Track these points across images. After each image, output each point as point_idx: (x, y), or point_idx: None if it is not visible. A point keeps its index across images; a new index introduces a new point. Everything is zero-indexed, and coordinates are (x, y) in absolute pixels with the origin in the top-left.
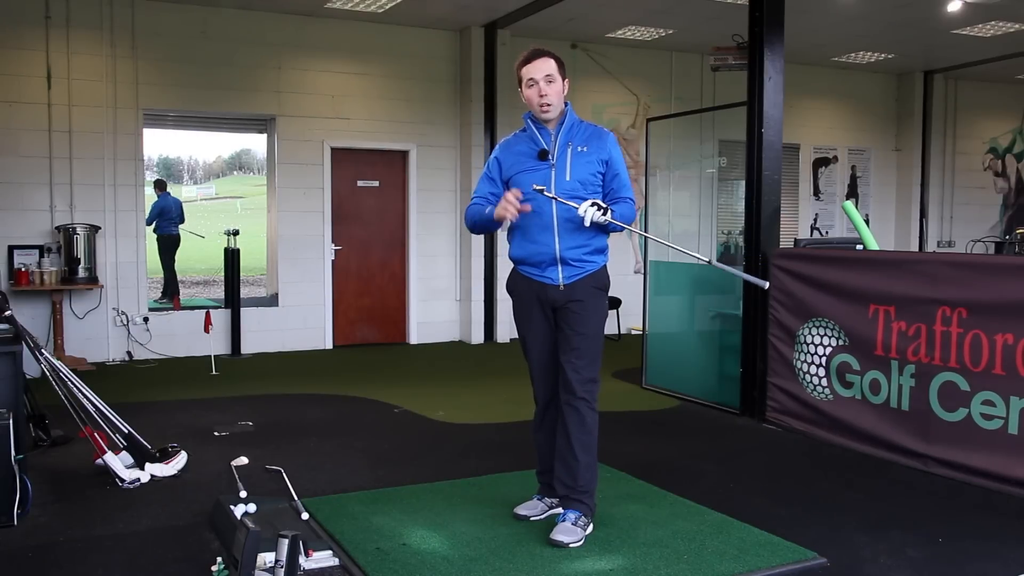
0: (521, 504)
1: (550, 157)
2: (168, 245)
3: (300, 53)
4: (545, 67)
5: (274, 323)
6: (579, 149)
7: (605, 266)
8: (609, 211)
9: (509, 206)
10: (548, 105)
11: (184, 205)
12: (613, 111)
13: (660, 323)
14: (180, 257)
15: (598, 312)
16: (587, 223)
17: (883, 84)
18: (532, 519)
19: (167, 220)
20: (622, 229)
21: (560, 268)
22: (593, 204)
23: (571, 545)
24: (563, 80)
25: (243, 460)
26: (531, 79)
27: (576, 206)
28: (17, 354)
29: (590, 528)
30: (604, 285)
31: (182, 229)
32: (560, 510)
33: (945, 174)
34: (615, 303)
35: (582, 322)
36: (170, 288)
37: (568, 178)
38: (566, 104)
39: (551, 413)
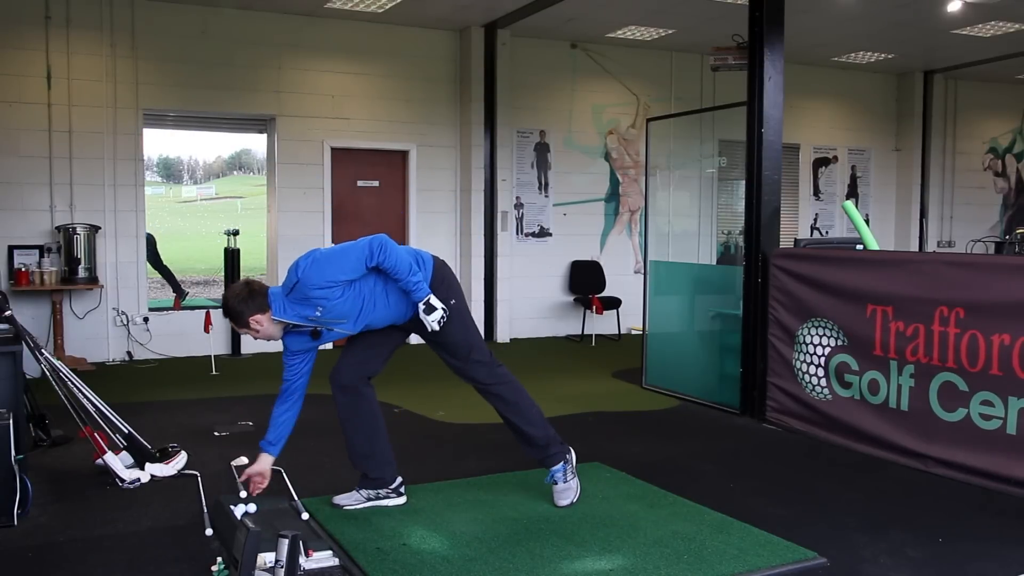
0: (343, 494)
1: (323, 330)
2: (150, 245)
3: (300, 53)
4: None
5: None
6: (317, 313)
7: (430, 278)
8: (427, 301)
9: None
10: (268, 340)
11: (184, 205)
12: (613, 111)
13: (660, 323)
14: (179, 258)
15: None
16: (437, 324)
17: (883, 84)
18: (346, 508)
19: None
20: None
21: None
22: (425, 310)
23: (574, 502)
24: (249, 324)
25: (243, 460)
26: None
27: (430, 321)
28: (17, 354)
29: (574, 464)
30: (439, 296)
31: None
32: (398, 500)
33: (945, 174)
34: (614, 303)
35: (434, 332)
36: (173, 284)
37: (349, 320)
38: (271, 302)
39: (353, 398)
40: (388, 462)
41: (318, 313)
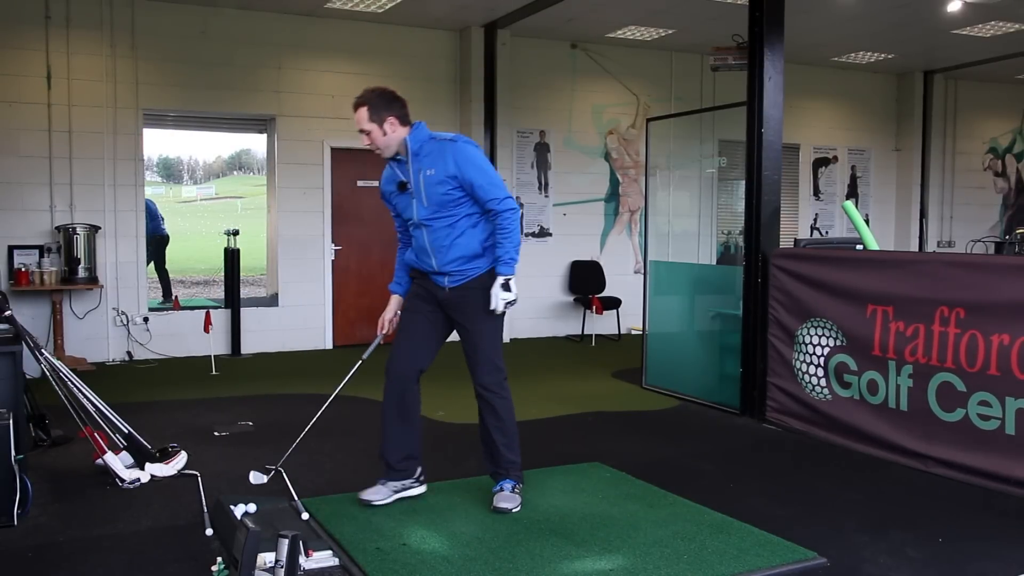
0: (368, 489)
1: (409, 187)
2: (157, 244)
3: (300, 53)
4: (359, 120)
5: (274, 323)
6: (428, 173)
7: (492, 268)
8: (509, 279)
9: (385, 327)
10: (377, 150)
11: (184, 205)
12: (613, 111)
13: (660, 323)
14: (179, 257)
15: (485, 308)
16: (502, 307)
17: (883, 84)
18: (375, 503)
19: (153, 221)
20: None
21: (443, 277)
22: (503, 285)
23: (513, 510)
24: (383, 121)
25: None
26: (358, 129)
27: (499, 297)
28: (17, 354)
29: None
30: (489, 284)
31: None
32: (420, 489)
33: (945, 174)
34: (614, 303)
35: (469, 319)
36: (164, 289)
37: (425, 204)
38: (414, 126)
39: (402, 390)
40: (416, 457)
41: (428, 173)
